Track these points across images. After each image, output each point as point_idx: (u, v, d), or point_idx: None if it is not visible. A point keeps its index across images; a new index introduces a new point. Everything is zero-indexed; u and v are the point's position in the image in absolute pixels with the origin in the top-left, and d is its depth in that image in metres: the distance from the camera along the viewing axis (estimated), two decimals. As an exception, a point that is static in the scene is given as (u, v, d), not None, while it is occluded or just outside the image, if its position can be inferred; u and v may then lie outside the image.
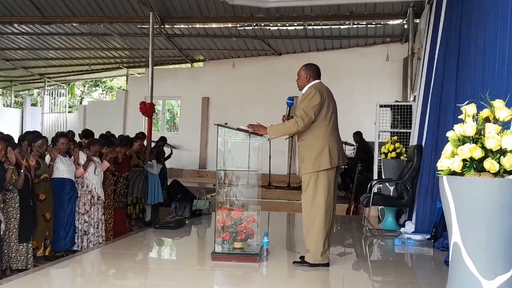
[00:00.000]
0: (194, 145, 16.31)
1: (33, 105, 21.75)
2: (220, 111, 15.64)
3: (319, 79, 4.92)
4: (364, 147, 10.90)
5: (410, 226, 6.53)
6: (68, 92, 20.84)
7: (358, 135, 11.31)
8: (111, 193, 7.75)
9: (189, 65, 16.88)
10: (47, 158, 6.55)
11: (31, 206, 5.86)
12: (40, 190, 6.19)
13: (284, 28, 13.11)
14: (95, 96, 25.79)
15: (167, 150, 12.26)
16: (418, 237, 6.02)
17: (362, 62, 14.19)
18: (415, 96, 8.91)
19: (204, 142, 16.28)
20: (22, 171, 5.59)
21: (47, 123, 19.26)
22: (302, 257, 4.92)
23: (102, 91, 25.45)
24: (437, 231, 5.76)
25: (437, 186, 6.12)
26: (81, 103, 24.77)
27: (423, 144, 6.59)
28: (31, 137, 6.33)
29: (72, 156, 7.02)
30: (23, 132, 9.20)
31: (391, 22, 12.55)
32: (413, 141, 7.75)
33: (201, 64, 16.78)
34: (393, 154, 7.35)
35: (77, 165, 6.98)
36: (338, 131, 4.85)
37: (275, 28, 13.13)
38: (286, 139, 13.50)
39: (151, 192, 9.62)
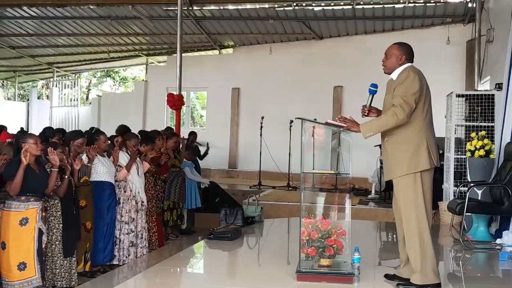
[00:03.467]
0: (223, 142, 15.96)
1: (38, 98, 21.61)
2: (253, 103, 15.33)
3: (412, 62, 4.55)
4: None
5: (510, 237, 6.13)
6: (75, 84, 20.66)
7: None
8: (152, 198, 7.52)
9: (216, 52, 16.56)
10: (84, 157, 6.27)
11: (75, 214, 5.60)
12: (81, 196, 5.94)
13: (330, 8, 12.74)
14: (104, 88, 25.64)
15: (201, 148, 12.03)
16: (526, 250, 5.65)
17: (418, 46, 13.50)
18: (497, 84, 8.47)
19: (234, 139, 15.94)
20: (66, 176, 5.33)
21: (56, 118, 19.08)
22: (395, 276, 4.60)
23: (114, 82, 25.24)
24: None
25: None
26: (87, 96, 24.60)
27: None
28: (70, 135, 6.06)
29: (111, 157, 6.75)
30: (43, 129, 8.91)
31: (453, 0, 12.13)
32: (503, 136, 7.34)
33: (230, 50, 16.44)
34: (482, 152, 6.94)
35: (118, 166, 6.72)
36: (433, 125, 4.51)
37: (319, 8, 12.76)
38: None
39: (188, 196, 9.37)
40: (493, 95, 8.27)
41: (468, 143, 7.20)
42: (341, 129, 4.64)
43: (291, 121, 12.71)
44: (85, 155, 6.20)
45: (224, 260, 5.69)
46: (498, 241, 6.35)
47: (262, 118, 12.80)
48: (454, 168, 8.35)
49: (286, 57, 15.08)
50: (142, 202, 6.97)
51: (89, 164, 6.21)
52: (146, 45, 16.80)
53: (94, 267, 6.36)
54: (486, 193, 6.89)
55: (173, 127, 11.48)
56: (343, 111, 14.46)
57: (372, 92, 4.69)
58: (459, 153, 8.41)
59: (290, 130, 12.68)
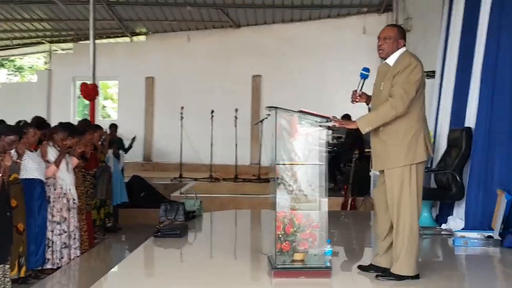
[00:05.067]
0: (137, 134, 15.25)
1: None
2: (169, 93, 14.87)
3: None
4: (355, 132, 10.49)
5: (458, 222, 6.22)
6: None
7: (347, 118, 10.94)
8: (81, 195, 6.99)
9: (127, 39, 15.81)
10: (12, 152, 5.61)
11: (8, 217, 4.98)
12: (11, 195, 5.28)
13: (250, -5, 12.57)
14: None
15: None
16: (474, 234, 5.73)
17: (335, 36, 13.85)
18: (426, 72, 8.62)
19: (149, 130, 15.36)
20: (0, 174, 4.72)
21: None
22: (371, 266, 4.47)
23: (9, 71, 23.49)
24: (506, 227, 5.48)
25: (491, 175, 5.86)
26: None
27: (472, 126, 6.25)
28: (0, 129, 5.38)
29: (38, 151, 6.13)
30: None
31: (369, -10, 12.35)
32: (438, 123, 7.49)
33: (142, 38, 15.77)
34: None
35: (46, 162, 6.12)
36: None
37: (239, -5, 12.55)
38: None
39: (115, 191, 8.83)
40: (423, 82, 8.41)
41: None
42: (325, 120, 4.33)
43: (212, 111, 12.44)
44: (13, 150, 5.56)
45: (185, 260, 5.17)
46: (444, 226, 6.43)
47: (182, 108, 12.39)
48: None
49: (203, 45, 14.71)
50: (74, 199, 6.48)
51: (18, 160, 5.58)
52: (50, 31, 15.71)
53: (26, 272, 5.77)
54: (427, 179, 6.97)
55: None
56: (262, 100, 14.37)
57: (364, 77, 4.39)
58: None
59: (212, 120, 12.40)
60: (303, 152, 4.56)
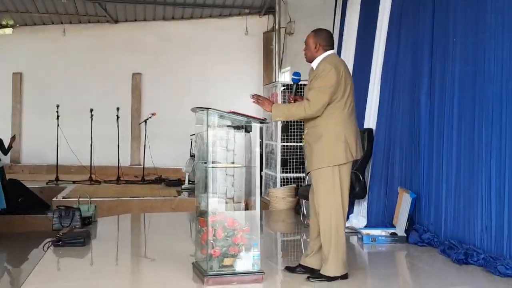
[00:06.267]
0: (2, 133, 14.16)
1: None
2: (40, 91, 13.91)
3: (332, 49, 4.39)
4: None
5: (360, 220, 6.45)
6: None
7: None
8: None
9: (-9, 31, 14.55)
10: None
11: None
12: None
13: (130, -10, 12.14)
14: None
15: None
16: (378, 232, 5.98)
17: (217, 36, 13.78)
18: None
19: (17, 131, 14.18)
20: None
21: None
22: (300, 266, 4.48)
23: None
24: (410, 224, 5.76)
25: (392, 174, 6.14)
26: None
27: (373, 128, 6.51)
28: None
29: None
30: None
31: (251, -8, 12.48)
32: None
33: (8, 30, 14.57)
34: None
35: None
36: (355, 116, 4.42)
37: (119, -11, 12.07)
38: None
39: (-8, 197, 8.12)
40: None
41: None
42: (246, 117, 4.26)
43: (91, 110, 11.87)
44: None
45: (100, 270, 4.66)
46: (346, 224, 6.62)
47: (58, 106, 11.66)
48: (281, 155, 8.68)
49: (79, 40, 13.88)
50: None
51: None
52: None
53: None
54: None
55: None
56: (142, 98, 13.99)
57: (295, 81, 4.59)
58: (284, 141, 8.79)
59: (92, 119, 11.81)
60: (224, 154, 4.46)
